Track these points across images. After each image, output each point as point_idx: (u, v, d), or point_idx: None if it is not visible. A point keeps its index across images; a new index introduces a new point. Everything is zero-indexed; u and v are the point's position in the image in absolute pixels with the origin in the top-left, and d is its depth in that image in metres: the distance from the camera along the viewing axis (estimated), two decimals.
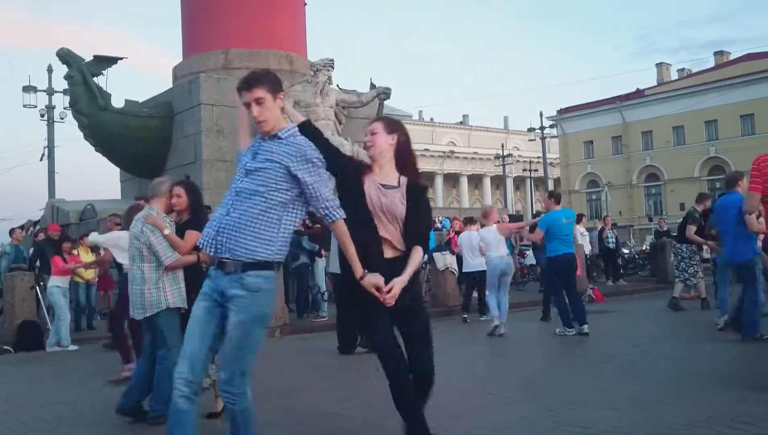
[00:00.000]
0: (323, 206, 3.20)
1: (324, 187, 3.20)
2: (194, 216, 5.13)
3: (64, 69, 16.61)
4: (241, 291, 3.06)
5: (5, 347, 10.25)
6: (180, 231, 5.08)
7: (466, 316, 11.25)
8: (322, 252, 11.23)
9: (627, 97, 50.95)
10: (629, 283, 16.79)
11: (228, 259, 3.07)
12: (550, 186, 48.15)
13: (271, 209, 3.11)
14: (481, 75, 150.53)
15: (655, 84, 53.60)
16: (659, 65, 55.82)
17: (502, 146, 52.09)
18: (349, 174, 3.67)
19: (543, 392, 5.78)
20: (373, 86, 18.41)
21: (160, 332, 4.94)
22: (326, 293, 11.44)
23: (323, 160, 3.22)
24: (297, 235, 11.64)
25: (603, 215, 21.91)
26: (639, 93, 51.31)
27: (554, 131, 51.74)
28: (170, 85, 18.57)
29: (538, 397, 5.55)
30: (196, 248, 4.89)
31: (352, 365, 7.56)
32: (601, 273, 17.02)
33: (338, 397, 5.85)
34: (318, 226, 11.40)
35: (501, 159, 49.91)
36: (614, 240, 16.35)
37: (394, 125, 3.81)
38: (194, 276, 5.09)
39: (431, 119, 71.37)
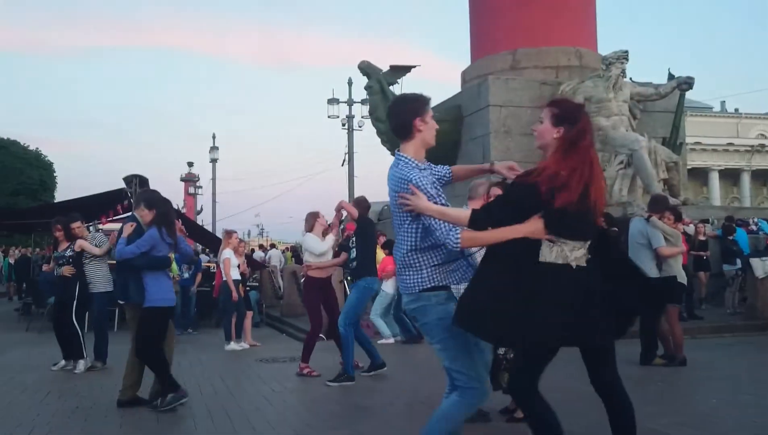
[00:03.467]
0: None
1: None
2: None
3: (363, 81, 17.88)
4: None
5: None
6: None
7: None
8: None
9: None
10: None
11: None
12: None
13: None
14: None
15: None
16: None
17: None
18: None
19: None
20: (671, 77, 16.98)
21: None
22: None
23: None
24: None
25: None
26: None
27: None
28: (459, 90, 19.02)
29: None
30: None
31: (663, 377, 6.88)
32: None
33: (652, 411, 5.31)
34: (615, 229, 10.70)
35: None
36: None
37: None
38: None
39: (736, 110, 64.23)
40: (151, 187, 16.26)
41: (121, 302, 7.07)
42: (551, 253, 3.00)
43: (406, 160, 3.25)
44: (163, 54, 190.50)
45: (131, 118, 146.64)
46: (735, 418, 5.16)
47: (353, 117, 28.85)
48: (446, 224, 3.06)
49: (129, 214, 9.09)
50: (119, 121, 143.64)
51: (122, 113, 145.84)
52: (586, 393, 3.64)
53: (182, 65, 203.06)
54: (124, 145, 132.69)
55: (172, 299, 6.09)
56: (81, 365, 7.96)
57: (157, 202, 6.12)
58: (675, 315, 7.73)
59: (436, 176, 3.38)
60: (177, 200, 39.62)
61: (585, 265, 3.04)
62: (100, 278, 8.29)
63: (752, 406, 5.61)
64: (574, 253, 3.00)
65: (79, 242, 8.15)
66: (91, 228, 15.37)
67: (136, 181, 16.77)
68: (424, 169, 3.29)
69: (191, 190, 47.04)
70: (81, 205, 15.33)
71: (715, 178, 57.77)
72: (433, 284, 3.18)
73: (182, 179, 49.87)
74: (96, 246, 8.25)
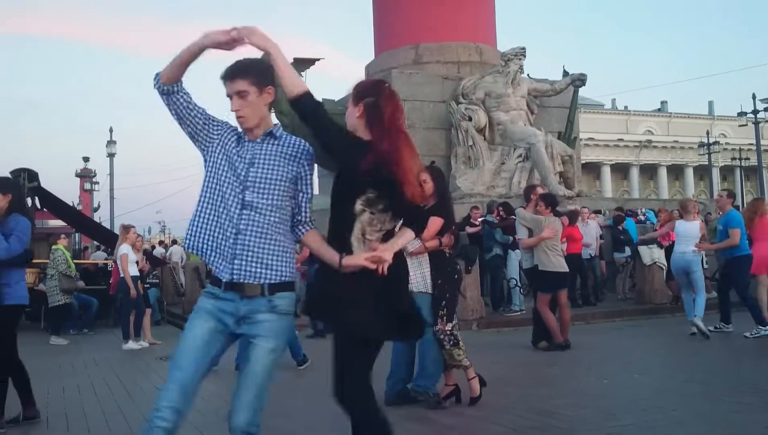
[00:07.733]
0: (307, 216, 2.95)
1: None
2: (440, 201, 4.98)
3: None
4: (271, 315, 2.72)
5: None
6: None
7: None
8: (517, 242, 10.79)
9: None
10: None
11: (251, 282, 2.70)
12: (766, 176, 43.51)
13: (285, 222, 2.84)
14: (681, 57, 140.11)
15: None
16: None
17: (707, 133, 47.87)
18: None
19: None
20: (566, 73, 17.64)
21: None
22: (523, 286, 11.05)
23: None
24: (490, 226, 11.32)
25: None
26: None
27: None
28: None
29: None
30: (439, 233, 4.91)
31: (557, 361, 7.16)
32: None
33: (547, 393, 5.52)
34: (513, 217, 11.02)
35: (705, 147, 45.90)
36: None
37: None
38: (440, 261, 5.07)
39: (625, 107, 67.54)
40: (42, 182, 15.43)
41: None
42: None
43: None
44: (50, 43, 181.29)
45: (11, 111, 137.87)
46: (625, 397, 5.41)
47: None
48: None
49: None
50: None
51: (1, 106, 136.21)
52: None
53: (72, 56, 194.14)
54: (6, 138, 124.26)
55: (27, 297, 5.30)
56: None
57: (13, 186, 5.30)
58: (542, 303, 7.85)
59: None
60: (72, 196, 37.85)
61: None
62: None
63: (640, 385, 5.90)
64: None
65: None
66: None
67: (25, 176, 15.83)
68: None
69: (87, 186, 45.06)
70: None
71: (606, 172, 60.65)
72: None
73: (77, 175, 47.71)
74: None
